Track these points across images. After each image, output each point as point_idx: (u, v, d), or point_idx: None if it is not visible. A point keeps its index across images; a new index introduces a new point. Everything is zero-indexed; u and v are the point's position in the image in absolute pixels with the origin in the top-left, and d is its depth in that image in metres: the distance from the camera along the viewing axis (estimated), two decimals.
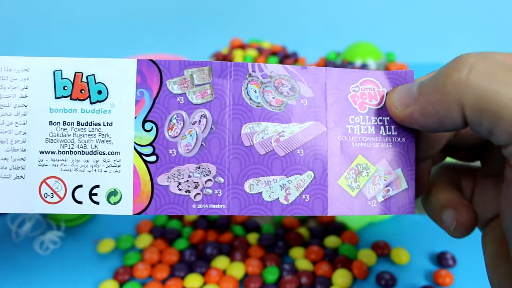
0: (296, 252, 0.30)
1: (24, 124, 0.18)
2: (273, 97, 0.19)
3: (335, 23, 0.66)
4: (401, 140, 0.19)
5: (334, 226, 0.33)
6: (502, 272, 0.18)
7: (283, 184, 0.19)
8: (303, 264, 0.29)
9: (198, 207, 0.18)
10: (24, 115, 0.18)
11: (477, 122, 0.15)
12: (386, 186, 0.19)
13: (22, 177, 0.18)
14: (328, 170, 0.19)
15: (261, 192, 0.19)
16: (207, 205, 0.18)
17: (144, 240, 0.31)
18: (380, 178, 0.19)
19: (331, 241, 0.31)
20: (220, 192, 0.18)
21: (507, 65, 0.15)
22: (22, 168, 0.18)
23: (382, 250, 0.31)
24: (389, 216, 0.34)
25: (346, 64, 0.44)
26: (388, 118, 0.19)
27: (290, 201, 0.19)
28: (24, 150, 0.18)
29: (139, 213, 0.18)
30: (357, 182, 0.19)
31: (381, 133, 0.19)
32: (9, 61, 0.18)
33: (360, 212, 0.19)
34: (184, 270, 0.29)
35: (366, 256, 0.30)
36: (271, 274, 0.28)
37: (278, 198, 0.19)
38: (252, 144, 0.19)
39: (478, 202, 0.21)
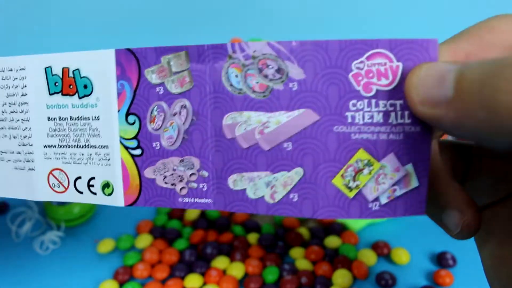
0: (296, 252, 0.30)
1: (28, 120, 0.19)
2: (256, 82, 0.16)
3: (335, 23, 0.66)
4: (415, 129, 0.15)
5: (334, 226, 0.33)
6: (505, 274, 0.15)
7: (268, 181, 0.17)
8: (303, 264, 0.29)
9: (184, 200, 0.18)
10: (27, 112, 0.19)
11: None
12: (392, 185, 0.16)
13: (33, 169, 0.19)
14: (320, 167, 0.16)
15: (246, 189, 0.17)
16: (192, 199, 0.18)
17: (144, 240, 0.31)
18: (386, 176, 0.16)
19: (331, 241, 0.31)
20: (204, 186, 0.18)
21: None
22: (32, 161, 0.19)
23: (382, 250, 0.31)
24: None
25: None
26: (401, 101, 0.15)
27: (276, 200, 0.17)
28: (32, 145, 0.19)
29: (130, 205, 0.18)
30: (357, 181, 0.16)
31: (390, 121, 0.15)
32: (8, 61, 0.19)
33: (359, 215, 0.16)
34: (184, 270, 0.29)
35: (366, 256, 0.30)
36: (271, 274, 0.28)
37: (264, 196, 0.17)
38: (234, 137, 0.17)
39: (470, 186, 0.18)
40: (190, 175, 0.18)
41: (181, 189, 0.18)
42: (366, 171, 0.16)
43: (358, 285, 0.28)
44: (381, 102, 0.15)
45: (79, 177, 0.19)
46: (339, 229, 0.32)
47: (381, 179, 0.16)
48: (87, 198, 0.19)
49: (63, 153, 0.19)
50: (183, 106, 0.17)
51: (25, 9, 0.65)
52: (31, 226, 0.33)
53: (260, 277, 0.28)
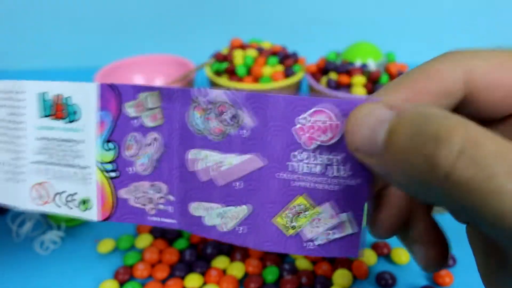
0: None
1: (23, 137, 0.21)
2: (214, 125, 0.18)
3: (335, 23, 0.66)
4: (352, 182, 0.17)
5: None
6: (497, 282, 0.15)
7: (220, 213, 0.19)
8: (303, 264, 0.29)
9: (153, 219, 0.20)
10: (23, 129, 0.21)
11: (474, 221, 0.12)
12: (327, 230, 0.17)
13: (22, 180, 0.21)
14: (264, 206, 0.18)
15: (203, 216, 0.19)
16: (159, 218, 0.20)
17: (144, 240, 0.31)
18: (320, 221, 0.17)
19: None
20: (170, 208, 0.20)
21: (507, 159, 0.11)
22: (22, 174, 0.21)
23: (382, 250, 0.31)
24: None
25: (346, 64, 0.44)
26: (339, 157, 0.16)
27: (226, 230, 0.19)
28: (23, 159, 0.21)
29: (104, 220, 0.20)
30: (294, 223, 0.18)
31: (328, 173, 0.17)
32: (13, 84, 0.21)
33: (295, 251, 0.18)
34: (184, 270, 0.29)
35: (366, 256, 0.30)
36: (271, 274, 0.28)
37: (217, 224, 0.19)
38: (195, 170, 0.19)
39: None
40: (159, 198, 0.20)
41: (150, 209, 0.20)
42: (303, 215, 0.18)
43: (358, 285, 0.28)
44: (320, 156, 0.17)
45: (59, 192, 0.21)
46: None
47: (316, 223, 0.18)
48: (65, 211, 0.21)
49: (48, 170, 0.21)
50: (155, 139, 0.19)
51: (24, 12, 0.65)
52: (31, 226, 0.33)
53: (260, 277, 0.28)
